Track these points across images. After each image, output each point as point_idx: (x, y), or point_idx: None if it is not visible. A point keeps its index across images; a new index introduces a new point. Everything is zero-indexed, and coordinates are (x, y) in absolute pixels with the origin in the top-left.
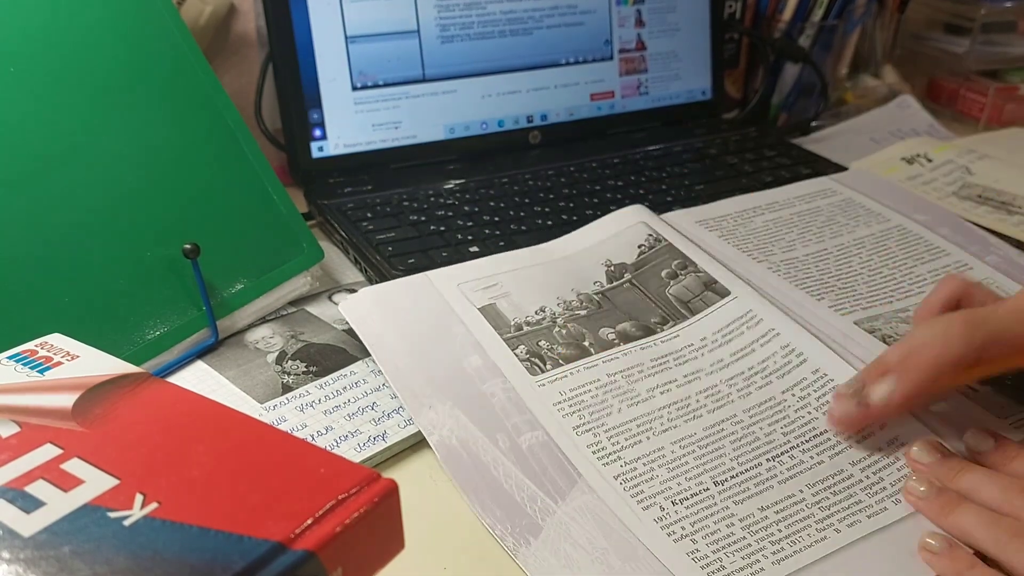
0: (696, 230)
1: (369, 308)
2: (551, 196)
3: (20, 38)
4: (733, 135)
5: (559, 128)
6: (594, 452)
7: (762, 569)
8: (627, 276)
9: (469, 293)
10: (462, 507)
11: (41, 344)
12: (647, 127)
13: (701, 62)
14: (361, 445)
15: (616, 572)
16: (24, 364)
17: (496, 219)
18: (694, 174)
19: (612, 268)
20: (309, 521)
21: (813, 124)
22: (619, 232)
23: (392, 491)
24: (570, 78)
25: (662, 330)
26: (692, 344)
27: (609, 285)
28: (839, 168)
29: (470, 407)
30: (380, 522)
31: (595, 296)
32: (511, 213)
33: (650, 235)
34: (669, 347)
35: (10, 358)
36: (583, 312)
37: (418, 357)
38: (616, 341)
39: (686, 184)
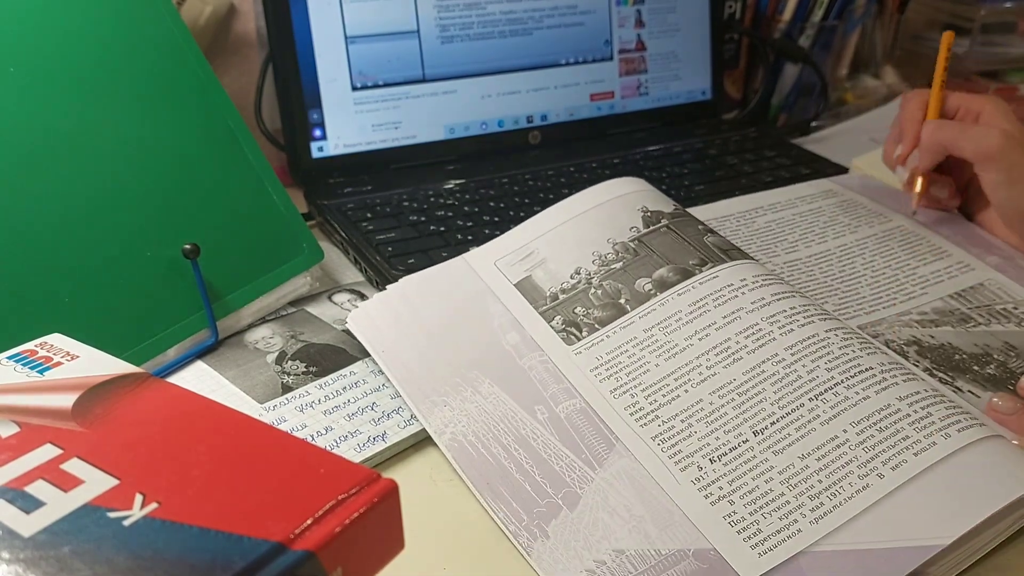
0: None
1: (391, 303)
2: (551, 196)
3: (19, 38)
4: (733, 135)
5: (559, 128)
6: (632, 414)
7: (800, 530)
8: (664, 222)
9: (505, 268)
10: (462, 507)
11: (41, 344)
12: (647, 127)
13: (701, 62)
14: (361, 445)
15: (652, 541)
16: (24, 364)
17: (496, 219)
18: (694, 174)
19: (649, 214)
20: (309, 521)
21: (813, 124)
22: (651, 189)
23: (392, 491)
24: (570, 78)
25: (700, 272)
26: (732, 284)
27: (646, 230)
28: (839, 168)
29: (509, 383)
30: (380, 522)
31: (631, 244)
32: (511, 213)
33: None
34: (709, 288)
35: (10, 358)
36: (619, 265)
37: (447, 344)
38: (653, 291)
39: (686, 184)
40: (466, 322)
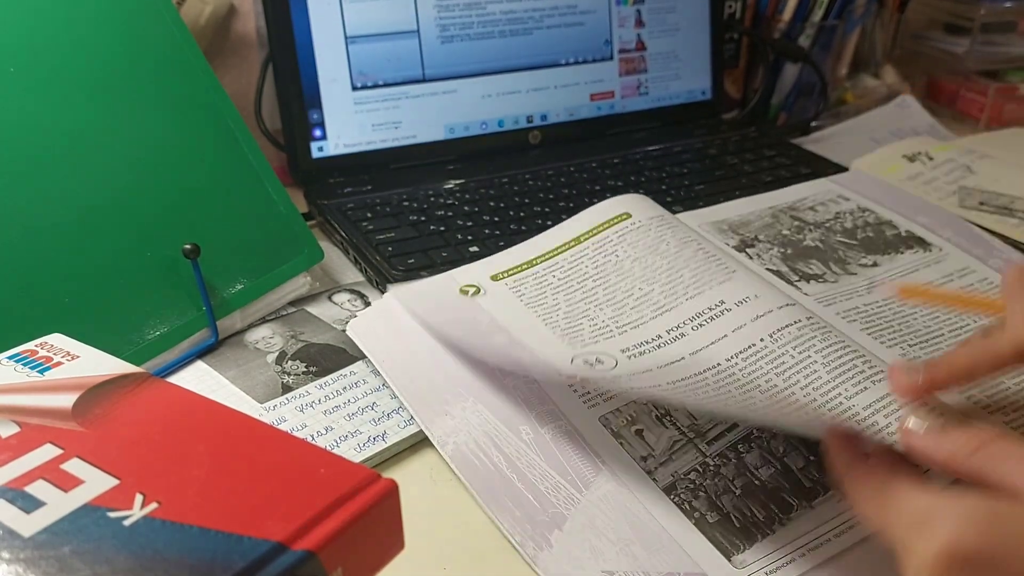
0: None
1: (391, 311)
2: (551, 196)
3: (20, 38)
4: (733, 135)
5: (559, 128)
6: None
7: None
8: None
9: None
10: (462, 507)
11: (41, 344)
12: (647, 127)
13: (701, 62)
14: (361, 445)
15: (640, 563)
16: (24, 364)
17: (496, 219)
18: (694, 174)
19: None
20: (309, 521)
21: (813, 124)
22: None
23: (392, 491)
24: (570, 78)
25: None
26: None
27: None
28: (839, 168)
29: (493, 400)
30: (380, 522)
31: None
32: (511, 213)
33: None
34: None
35: (10, 358)
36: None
37: (439, 358)
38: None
39: (686, 184)
40: (454, 338)
